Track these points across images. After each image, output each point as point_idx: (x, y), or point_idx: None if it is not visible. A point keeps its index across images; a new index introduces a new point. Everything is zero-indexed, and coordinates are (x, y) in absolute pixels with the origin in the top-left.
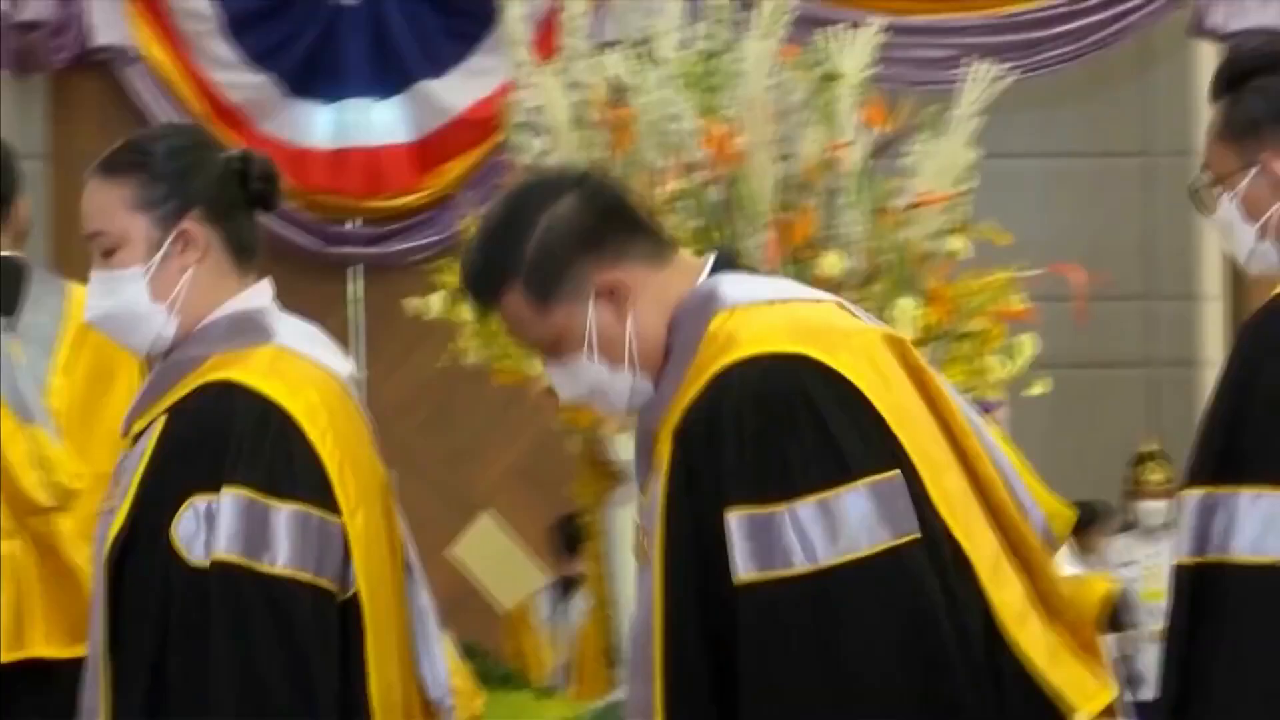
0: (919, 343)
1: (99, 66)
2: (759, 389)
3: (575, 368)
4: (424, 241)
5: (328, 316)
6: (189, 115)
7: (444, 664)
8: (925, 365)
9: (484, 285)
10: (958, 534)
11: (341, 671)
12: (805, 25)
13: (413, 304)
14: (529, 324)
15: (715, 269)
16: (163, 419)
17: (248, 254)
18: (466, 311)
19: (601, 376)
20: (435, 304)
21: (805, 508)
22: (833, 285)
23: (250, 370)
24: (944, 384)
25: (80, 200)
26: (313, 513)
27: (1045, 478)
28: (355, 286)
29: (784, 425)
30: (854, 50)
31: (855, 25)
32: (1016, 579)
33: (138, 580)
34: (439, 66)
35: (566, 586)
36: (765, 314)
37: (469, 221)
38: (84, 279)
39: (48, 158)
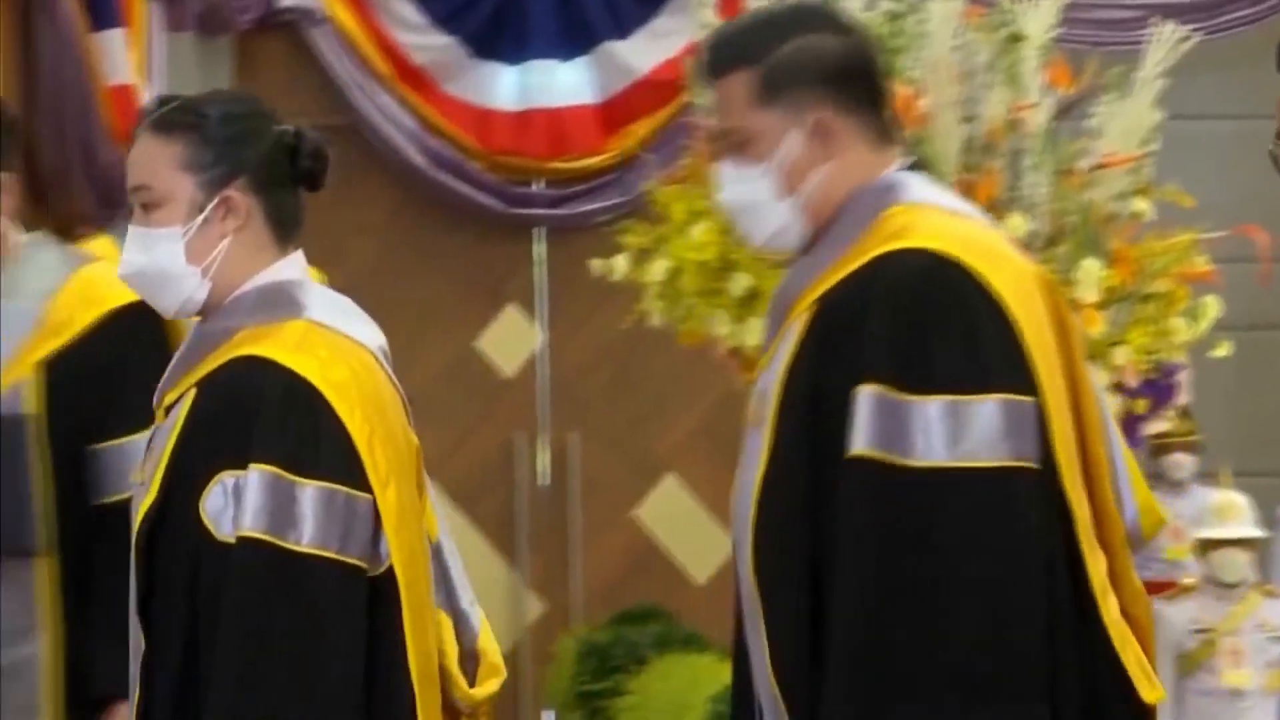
0: (1102, 305)
1: (284, 27)
2: (918, 281)
3: (747, 175)
4: (608, 203)
5: (511, 277)
6: (373, 76)
7: (479, 631)
8: (1071, 317)
9: (725, 54)
10: (1068, 486)
11: (376, 645)
12: None
13: (597, 265)
14: (736, 112)
15: (907, 170)
16: (193, 392)
17: (289, 229)
18: (651, 273)
19: (764, 197)
20: (620, 265)
21: (936, 404)
22: (1017, 246)
23: (280, 345)
24: (1083, 340)
25: None
26: (339, 490)
27: (1228, 440)
28: (539, 248)
29: (935, 321)
30: (1038, 12)
31: None
32: (1101, 554)
33: (170, 553)
34: (624, 28)
35: None
36: (939, 218)
37: (654, 184)
38: None
39: None
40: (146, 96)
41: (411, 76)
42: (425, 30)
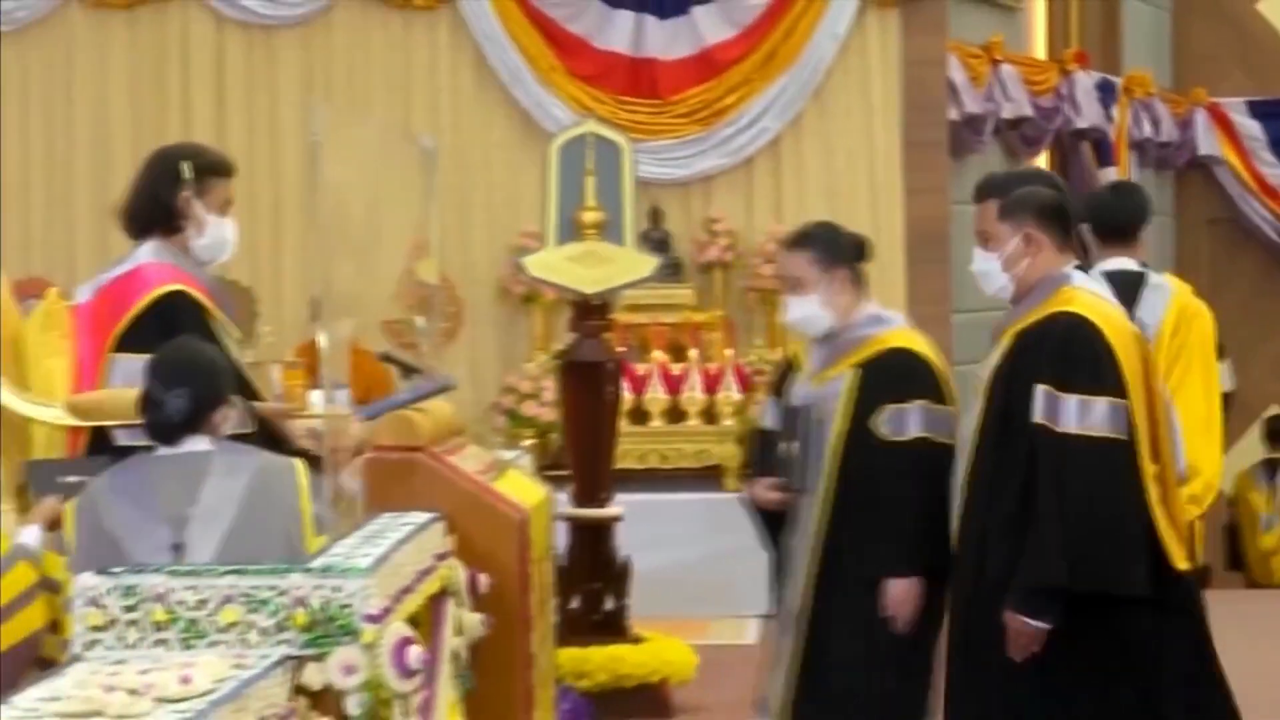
0: None
1: (1200, 167)
2: (1073, 330)
3: (988, 258)
4: None
5: None
6: (1248, 191)
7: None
8: (1152, 358)
9: (985, 189)
10: (1141, 452)
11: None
12: None
13: None
14: (987, 223)
15: (1077, 269)
16: (851, 371)
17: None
18: None
19: (993, 271)
20: None
21: (1073, 398)
22: (1125, 316)
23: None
24: (1160, 380)
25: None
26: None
27: None
28: None
29: (1080, 353)
30: None
31: None
32: (1158, 486)
33: (858, 461)
34: None
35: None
36: (1090, 299)
37: None
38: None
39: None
40: None
41: (1270, 192)
42: (1276, 166)
